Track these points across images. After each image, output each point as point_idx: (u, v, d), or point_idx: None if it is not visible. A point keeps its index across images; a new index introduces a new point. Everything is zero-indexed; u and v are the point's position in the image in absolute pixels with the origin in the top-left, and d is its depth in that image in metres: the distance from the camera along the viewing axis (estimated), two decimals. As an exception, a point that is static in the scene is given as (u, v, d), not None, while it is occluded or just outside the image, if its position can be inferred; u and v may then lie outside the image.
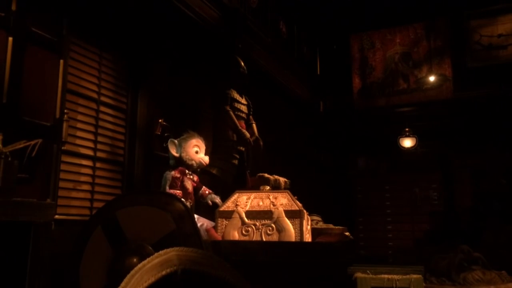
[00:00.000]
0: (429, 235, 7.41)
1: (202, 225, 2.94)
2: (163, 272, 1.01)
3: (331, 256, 2.66)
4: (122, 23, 3.51)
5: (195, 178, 3.35)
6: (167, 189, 3.14)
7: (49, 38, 2.76)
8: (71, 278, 2.28)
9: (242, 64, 4.24)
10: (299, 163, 6.98)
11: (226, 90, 4.05)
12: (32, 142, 2.40)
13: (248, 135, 4.00)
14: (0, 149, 2.10)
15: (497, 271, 4.20)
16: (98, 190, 3.21)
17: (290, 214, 2.79)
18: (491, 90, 7.40)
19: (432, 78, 7.97)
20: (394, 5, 8.04)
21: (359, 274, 2.70)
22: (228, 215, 2.89)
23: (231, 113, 3.97)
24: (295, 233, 2.73)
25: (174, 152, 3.28)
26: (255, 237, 2.77)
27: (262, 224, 2.80)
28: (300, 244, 2.72)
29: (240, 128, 3.97)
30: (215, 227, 2.91)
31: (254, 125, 4.22)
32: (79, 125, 3.10)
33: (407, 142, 8.33)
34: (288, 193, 2.98)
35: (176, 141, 3.31)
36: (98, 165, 3.23)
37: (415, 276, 2.62)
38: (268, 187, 3.15)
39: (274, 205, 2.86)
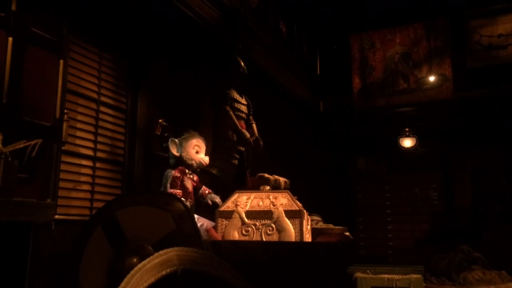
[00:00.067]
0: (429, 235, 7.41)
1: (202, 225, 2.94)
2: (163, 272, 1.00)
3: (331, 256, 2.66)
4: (122, 23, 3.51)
5: (195, 178, 3.35)
6: (168, 187, 3.15)
7: (49, 38, 2.76)
8: (71, 278, 2.28)
9: (242, 64, 4.24)
10: (299, 163, 6.98)
11: (226, 90, 4.05)
12: (32, 142, 2.40)
13: (248, 135, 4.00)
14: (0, 149, 2.10)
15: (497, 271, 4.20)
16: (98, 190, 3.21)
17: (290, 214, 2.80)
18: (491, 90, 7.40)
19: (432, 78, 7.97)
20: (394, 5, 8.04)
21: (359, 274, 2.69)
22: (228, 215, 2.89)
23: (231, 113, 3.97)
24: (295, 233, 2.73)
25: (174, 151, 3.28)
26: (255, 237, 2.77)
27: (262, 224, 2.80)
28: (300, 244, 2.72)
29: (240, 128, 3.97)
30: (215, 227, 2.91)
31: (254, 125, 4.23)
32: (79, 125, 3.10)
33: (407, 142, 8.33)
34: (288, 193, 2.98)
35: (177, 140, 3.32)
36: (98, 165, 3.23)
37: (415, 276, 2.62)
38: (268, 187, 3.15)
39: (274, 205, 2.86)
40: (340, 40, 8.79)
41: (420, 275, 2.64)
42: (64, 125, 2.76)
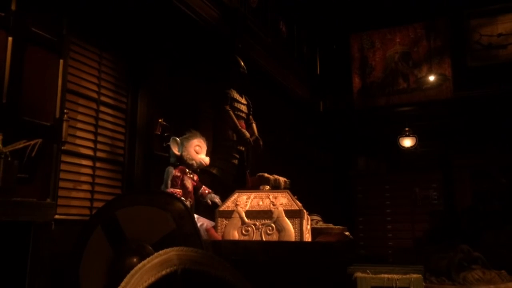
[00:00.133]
0: (429, 234, 7.40)
1: (202, 225, 2.94)
2: (163, 272, 1.01)
3: (331, 256, 2.66)
4: (122, 23, 3.51)
5: (195, 177, 3.36)
6: (169, 183, 3.16)
7: (49, 38, 2.76)
8: (71, 278, 2.28)
9: (242, 64, 4.24)
10: (299, 163, 6.98)
11: (226, 90, 4.05)
12: (32, 142, 2.40)
13: (248, 135, 4.00)
14: (0, 149, 2.10)
15: (497, 271, 4.20)
16: (98, 190, 3.21)
17: (290, 214, 2.79)
18: (491, 89, 7.40)
19: (432, 78, 7.97)
20: (394, 5, 8.04)
21: (359, 274, 2.69)
22: (228, 214, 2.89)
23: (231, 112, 3.97)
24: (295, 233, 2.73)
25: (175, 150, 3.28)
26: (255, 237, 2.77)
27: (262, 224, 2.80)
28: (300, 244, 2.72)
29: (240, 128, 3.97)
30: (215, 227, 2.91)
31: (254, 125, 4.22)
32: (79, 125, 3.10)
33: (407, 142, 8.33)
34: (288, 192, 2.98)
35: (178, 139, 3.32)
36: (98, 165, 3.24)
37: (415, 275, 2.62)
38: (268, 187, 3.15)
39: (274, 204, 2.86)
40: (340, 40, 8.80)
41: (420, 275, 2.64)
42: (64, 125, 2.76)
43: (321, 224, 3.46)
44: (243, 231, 2.80)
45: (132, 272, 1.13)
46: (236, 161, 3.99)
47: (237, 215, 2.86)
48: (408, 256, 6.85)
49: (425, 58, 8.09)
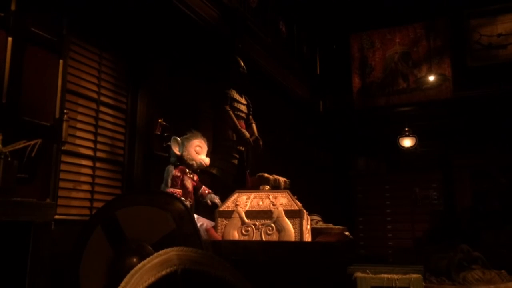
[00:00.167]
0: (429, 234, 7.41)
1: (202, 225, 2.95)
2: (163, 272, 1.01)
3: (331, 256, 2.67)
4: (122, 23, 3.51)
5: (195, 177, 3.36)
6: (169, 182, 3.16)
7: (49, 38, 2.76)
8: (71, 278, 2.28)
9: (242, 64, 4.24)
10: (299, 163, 6.98)
11: (226, 90, 4.05)
12: (32, 142, 2.40)
13: (248, 135, 4.00)
14: (0, 149, 2.10)
15: (497, 271, 4.20)
16: (98, 190, 3.21)
17: (290, 214, 2.80)
18: (491, 89, 7.40)
19: (431, 78, 7.97)
20: (394, 5, 8.04)
21: (359, 274, 2.70)
22: (228, 215, 2.89)
23: (231, 112, 3.97)
24: (295, 233, 2.73)
25: (176, 150, 3.28)
26: (255, 237, 2.77)
27: (262, 224, 2.80)
28: (300, 244, 2.72)
29: (240, 128, 3.97)
30: (215, 227, 2.91)
31: (254, 125, 4.23)
32: (79, 125, 3.10)
33: (407, 142, 8.33)
34: (288, 193, 2.98)
35: (179, 139, 3.32)
36: (98, 165, 3.24)
37: (414, 275, 2.62)
38: (268, 187, 3.15)
39: (274, 204, 2.86)
40: (340, 39, 8.80)
41: (419, 275, 2.64)
42: (64, 125, 2.76)
43: (321, 224, 3.46)
44: (243, 231, 2.80)
45: (132, 272, 1.13)
46: (236, 161, 3.99)
47: (237, 215, 2.86)
48: (408, 256, 6.86)
49: (425, 58, 8.09)
